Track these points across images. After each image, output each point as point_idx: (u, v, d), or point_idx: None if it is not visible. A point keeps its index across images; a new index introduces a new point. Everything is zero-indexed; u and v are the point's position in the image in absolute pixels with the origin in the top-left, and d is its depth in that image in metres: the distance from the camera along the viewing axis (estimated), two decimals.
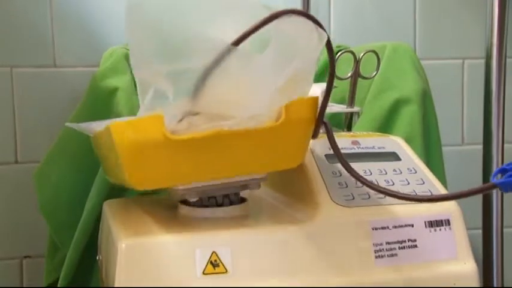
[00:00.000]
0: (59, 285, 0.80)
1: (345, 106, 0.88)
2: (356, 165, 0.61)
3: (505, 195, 1.03)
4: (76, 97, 1.25)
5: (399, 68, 0.88)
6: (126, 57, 0.83)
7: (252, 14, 0.47)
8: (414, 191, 0.60)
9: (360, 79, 0.87)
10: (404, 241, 0.57)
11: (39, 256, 1.25)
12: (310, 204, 0.57)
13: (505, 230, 1.00)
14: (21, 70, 1.24)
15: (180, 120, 0.47)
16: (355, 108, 0.87)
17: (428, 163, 0.84)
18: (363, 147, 0.65)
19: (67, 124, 0.67)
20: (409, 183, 0.61)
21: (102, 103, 0.77)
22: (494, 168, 1.21)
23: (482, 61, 0.88)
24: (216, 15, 0.47)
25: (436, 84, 1.40)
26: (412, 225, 0.57)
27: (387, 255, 0.56)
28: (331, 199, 0.57)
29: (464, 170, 1.42)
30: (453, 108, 1.43)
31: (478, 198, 0.94)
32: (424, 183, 0.61)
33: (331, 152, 0.63)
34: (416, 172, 0.63)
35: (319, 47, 0.49)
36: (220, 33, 0.45)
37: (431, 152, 0.85)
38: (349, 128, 0.87)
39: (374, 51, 0.85)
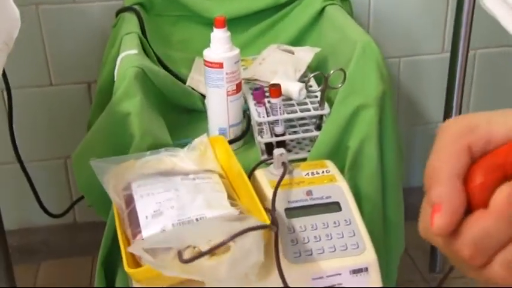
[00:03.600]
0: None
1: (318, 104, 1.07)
2: (306, 219, 0.85)
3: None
4: (92, 27, 1.43)
5: (364, 72, 1.05)
6: (136, 77, 1.01)
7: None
8: (346, 244, 0.84)
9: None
10: (335, 285, 0.83)
11: None
12: (268, 262, 0.82)
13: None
14: (46, 7, 1.40)
15: None
16: (325, 111, 1.06)
17: (383, 158, 1.06)
18: (314, 198, 0.87)
19: (91, 163, 0.89)
20: (343, 236, 0.85)
21: (118, 126, 0.97)
22: (458, 72, 1.43)
23: None
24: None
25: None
26: (340, 274, 0.83)
27: None
28: (285, 257, 0.82)
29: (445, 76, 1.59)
30: (437, 19, 1.56)
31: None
32: (354, 235, 0.85)
33: (291, 206, 0.87)
34: (350, 223, 0.86)
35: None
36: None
37: (386, 148, 1.06)
38: (319, 127, 1.07)
39: (342, 69, 1.02)
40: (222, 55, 1.05)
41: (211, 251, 0.71)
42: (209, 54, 1.06)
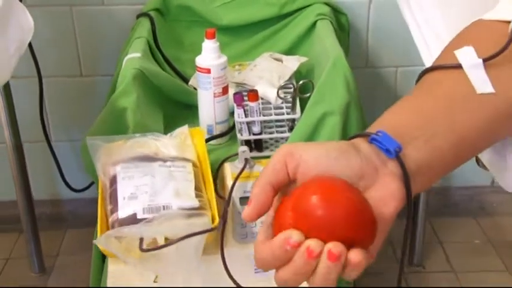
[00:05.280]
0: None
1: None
2: None
3: None
4: (118, 26, 1.62)
5: (333, 83, 1.19)
6: (135, 77, 1.19)
7: None
8: None
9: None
10: None
11: None
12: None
13: None
14: (78, 8, 1.61)
15: None
16: (296, 115, 1.22)
17: None
18: None
19: (87, 140, 1.07)
20: None
21: (117, 119, 1.16)
22: None
23: None
24: None
25: None
26: None
27: (261, 271, 0.98)
28: (233, 238, 0.99)
29: None
30: None
31: None
32: None
33: (245, 195, 1.03)
34: None
35: None
36: None
37: None
38: (291, 128, 1.22)
39: (310, 81, 1.18)
40: (210, 62, 1.21)
41: (166, 246, 0.91)
42: (200, 60, 1.23)
